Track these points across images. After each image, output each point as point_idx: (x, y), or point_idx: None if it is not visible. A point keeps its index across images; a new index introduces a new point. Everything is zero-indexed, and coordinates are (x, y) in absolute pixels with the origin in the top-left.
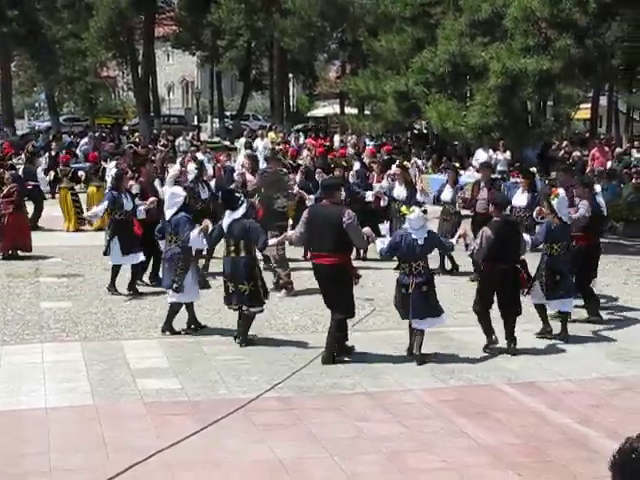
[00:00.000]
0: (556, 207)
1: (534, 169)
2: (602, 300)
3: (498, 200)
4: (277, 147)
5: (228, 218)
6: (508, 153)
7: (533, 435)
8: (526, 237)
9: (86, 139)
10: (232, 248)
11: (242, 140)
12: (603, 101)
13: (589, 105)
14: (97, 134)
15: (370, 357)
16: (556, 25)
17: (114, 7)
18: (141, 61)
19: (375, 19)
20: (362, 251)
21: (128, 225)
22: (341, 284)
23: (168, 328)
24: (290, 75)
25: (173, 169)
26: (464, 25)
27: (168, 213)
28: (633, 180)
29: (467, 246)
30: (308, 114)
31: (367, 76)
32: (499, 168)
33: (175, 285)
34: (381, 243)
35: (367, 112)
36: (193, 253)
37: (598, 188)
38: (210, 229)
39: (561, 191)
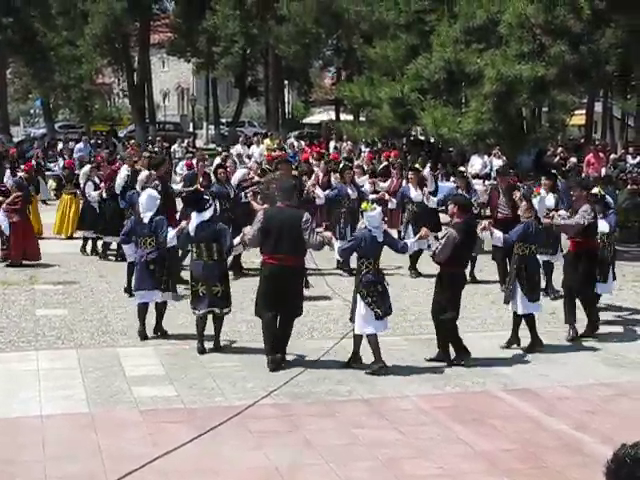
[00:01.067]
0: (537, 206)
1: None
2: (597, 306)
3: (461, 201)
4: (274, 153)
5: (194, 220)
6: (503, 159)
7: (529, 441)
8: (497, 234)
9: (81, 144)
10: (204, 252)
11: (238, 147)
12: (598, 107)
13: (584, 111)
14: (92, 141)
15: (366, 363)
16: (551, 32)
17: (109, 14)
18: (136, 68)
19: (370, 26)
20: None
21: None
22: (297, 285)
23: (160, 329)
24: (285, 82)
25: (142, 174)
26: (459, 32)
27: (147, 216)
28: (628, 186)
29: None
30: (303, 121)
31: (362, 83)
32: (494, 174)
33: (163, 286)
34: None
35: (362, 118)
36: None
37: (543, 192)
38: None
39: (542, 191)
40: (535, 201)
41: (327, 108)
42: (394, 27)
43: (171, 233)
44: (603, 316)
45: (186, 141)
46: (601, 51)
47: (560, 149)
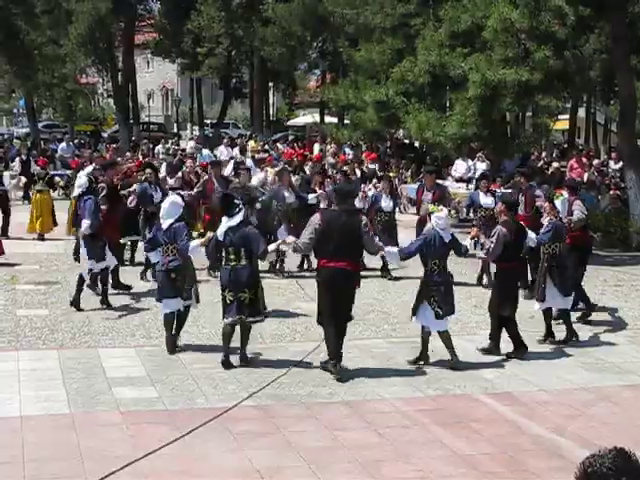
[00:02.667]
0: (559, 207)
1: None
2: (579, 311)
3: (506, 201)
4: (257, 156)
5: (224, 225)
6: (487, 163)
7: (509, 445)
8: (532, 235)
9: (63, 144)
10: (232, 257)
11: (222, 148)
12: (581, 112)
13: (567, 116)
14: (76, 141)
15: (347, 366)
16: (535, 37)
17: (94, 14)
18: (121, 68)
19: (355, 29)
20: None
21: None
22: (353, 290)
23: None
24: (270, 84)
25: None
26: (444, 36)
27: (166, 222)
28: (610, 191)
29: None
30: (288, 123)
31: (347, 85)
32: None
33: (185, 294)
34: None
35: (347, 121)
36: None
37: (565, 194)
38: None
39: (565, 193)
40: (558, 202)
41: (312, 110)
42: (379, 30)
43: (194, 243)
44: (584, 321)
45: (170, 142)
46: (585, 57)
47: (544, 154)
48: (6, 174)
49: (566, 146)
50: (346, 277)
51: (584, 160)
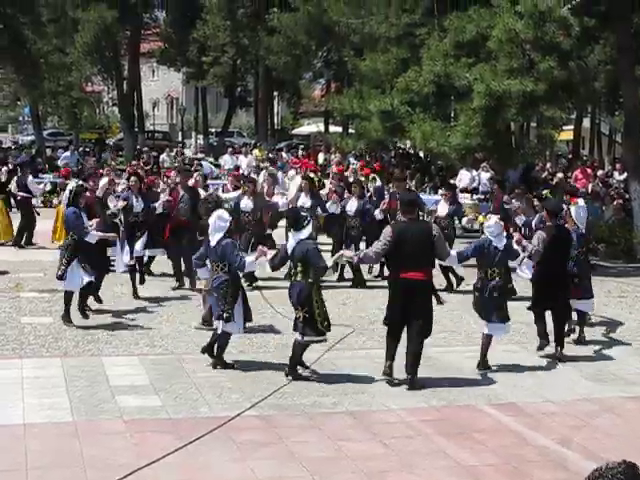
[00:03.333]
0: (574, 215)
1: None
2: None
3: (550, 207)
4: (261, 164)
5: (292, 239)
6: (490, 173)
7: (513, 456)
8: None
9: (67, 153)
10: (292, 271)
11: (226, 157)
12: (586, 123)
13: (572, 127)
14: (81, 149)
15: (351, 376)
16: (540, 47)
17: (100, 22)
18: (126, 76)
19: (360, 39)
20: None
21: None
22: (429, 301)
23: (220, 362)
24: (275, 93)
25: (102, 180)
26: (449, 46)
27: (214, 238)
28: (615, 202)
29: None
30: (293, 132)
31: (351, 95)
32: (482, 189)
33: (226, 315)
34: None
35: (351, 130)
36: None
37: (581, 202)
38: (269, 255)
39: (580, 200)
40: (573, 210)
41: (316, 120)
42: (384, 40)
43: (249, 259)
44: (589, 332)
45: (175, 150)
46: (590, 67)
47: (549, 164)
48: (30, 178)
49: (571, 157)
50: (420, 288)
51: (589, 171)
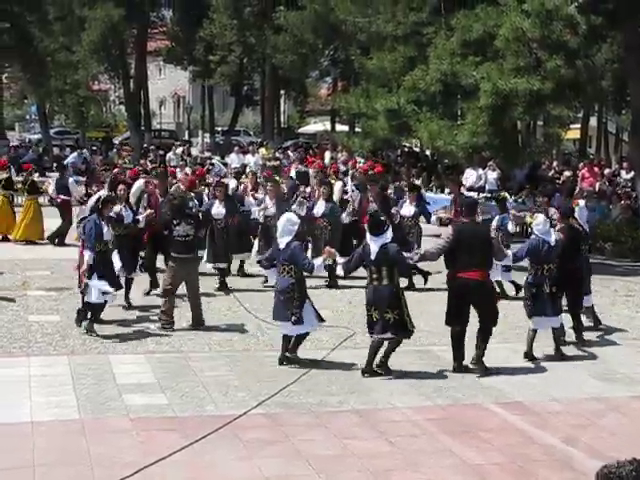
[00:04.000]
0: (577, 215)
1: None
2: (590, 321)
3: (563, 209)
4: (268, 163)
5: (374, 244)
6: (497, 172)
7: (519, 455)
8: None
9: (75, 154)
10: (374, 275)
11: (232, 156)
12: (593, 122)
13: (579, 125)
14: (85, 150)
15: (357, 375)
16: (547, 46)
17: (107, 21)
18: (133, 75)
19: (367, 37)
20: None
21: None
22: (491, 297)
23: (295, 358)
24: (281, 91)
25: (137, 182)
26: (456, 44)
27: (282, 241)
28: (622, 201)
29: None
30: (299, 130)
31: (358, 94)
32: (488, 187)
33: (294, 318)
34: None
35: (358, 129)
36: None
37: (582, 203)
38: (339, 258)
39: (581, 202)
40: (576, 209)
41: (323, 118)
42: (391, 39)
43: (317, 262)
44: (594, 330)
45: (181, 149)
46: (597, 66)
47: (555, 163)
48: (71, 180)
49: (578, 155)
50: (478, 287)
51: (596, 170)
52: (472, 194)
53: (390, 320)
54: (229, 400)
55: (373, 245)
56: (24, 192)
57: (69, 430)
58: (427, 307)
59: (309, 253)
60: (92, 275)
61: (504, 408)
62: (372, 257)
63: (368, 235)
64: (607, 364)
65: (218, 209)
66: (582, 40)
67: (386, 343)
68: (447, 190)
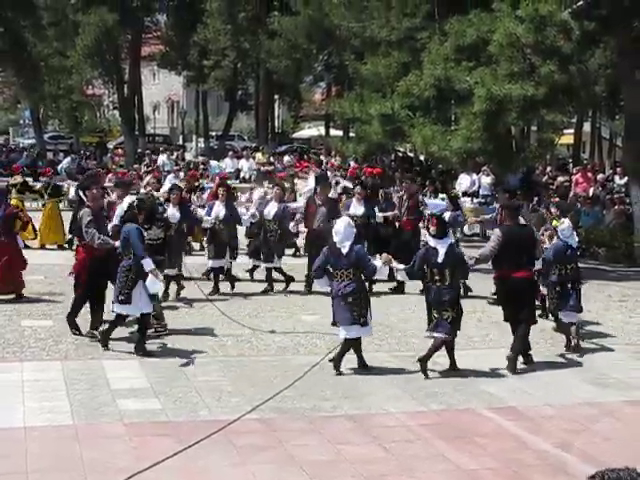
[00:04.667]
0: (560, 234)
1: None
2: (584, 326)
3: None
4: (262, 168)
5: (441, 247)
6: (491, 177)
7: (513, 460)
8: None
9: (69, 158)
10: (437, 277)
11: (227, 160)
12: (586, 127)
13: (572, 131)
14: (82, 152)
15: (351, 380)
16: (540, 51)
17: (101, 26)
18: (127, 80)
19: (361, 42)
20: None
21: None
22: (532, 294)
23: (363, 364)
24: (276, 96)
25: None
26: (449, 50)
27: (345, 245)
28: (615, 206)
29: None
30: (293, 135)
31: (352, 99)
32: (482, 192)
33: (363, 319)
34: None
35: (352, 134)
36: None
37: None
38: (394, 263)
39: (566, 221)
40: (559, 230)
41: (317, 123)
42: (385, 44)
43: (378, 264)
44: (588, 336)
45: (175, 154)
46: (590, 71)
47: (549, 168)
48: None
49: (571, 161)
50: (526, 284)
51: (589, 175)
52: (466, 199)
53: (448, 319)
54: (223, 405)
55: (440, 248)
56: (43, 196)
57: (62, 435)
58: (419, 312)
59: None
60: (137, 283)
61: (498, 413)
62: (439, 260)
63: (432, 238)
64: (600, 369)
65: (173, 213)
66: (575, 45)
67: (430, 342)
68: (441, 195)
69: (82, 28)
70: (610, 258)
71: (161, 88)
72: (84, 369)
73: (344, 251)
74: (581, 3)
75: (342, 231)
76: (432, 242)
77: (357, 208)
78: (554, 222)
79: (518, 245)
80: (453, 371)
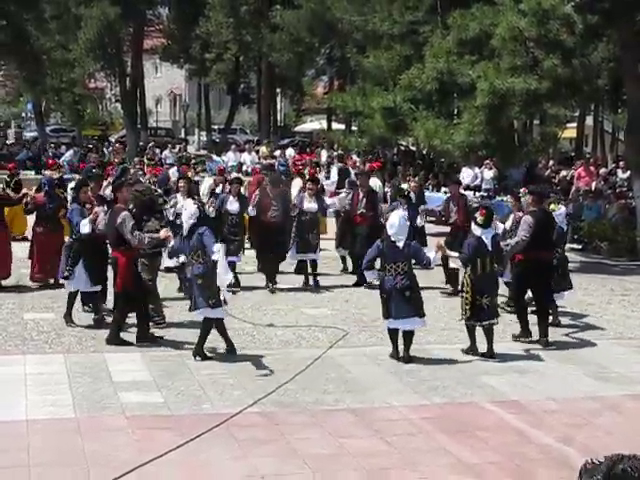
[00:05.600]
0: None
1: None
2: (586, 320)
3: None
4: (264, 161)
5: (486, 236)
6: (494, 171)
7: (515, 454)
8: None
9: (71, 151)
10: (481, 265)
11: (230, 154)
12: (589, 121)
13: (575, 124)
14: (84, 145)
15: (353, 373)
16: (543, 45)
17: (103, 19)
18: (129, 73)
19: (363, 36)
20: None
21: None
22: (551, 275)
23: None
24: (278, 90)
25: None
26: (452, 43)
27: (401, 238)
28: (618, 200)
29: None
30: (295, 129)
31: (354, 92)
32: (485, 186)
33: (422, 311)
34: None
35: (354, 128)
36: None
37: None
38: (447, 251)
39: (562, 208)
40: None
41: (319, 117)
42: (387, 37)
43: (432, 254)
44: (591, 330)
45: (177, 147)
46: (593, 65)
47: (552, 162)
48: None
49: (573, 154)
50: (549, 264)
51: (592, 169)
52: (468, 193)
53: (496, 305)
54: (225, 399)
55: (485, 237)
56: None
57: (65, 428)
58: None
59: None
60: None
61: (500, 407)
62: (489, 248)
63: (479, 228)
64: (602, 363)
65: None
66: (578, 39)
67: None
68: (443, 189)
69: (84, 21)
70: (612, 252)
71: (163, 81)
72: (86, 362)
73: (400, 245)
74: None
75: (397, 225)
76: (478, 232)
77: (308, 201)
78: (552, 206)
79: (544, 228)
80: (490, 357)
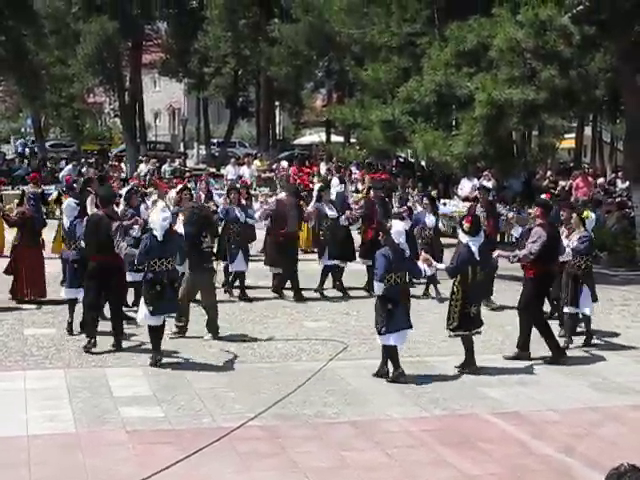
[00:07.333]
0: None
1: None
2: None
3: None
4: (262, 175)
5: (474, 245)
6: (492, 182)
7: (517, 465)
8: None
9: (70, 166)
10: (472, 274)
11: (229, 167)
12: (588, 131)
13: (573, 135)
14: (83, 160)
15: (354, 386)
16: (541, 56)
17: (101, 34)
18: (128, 88)
19: (362, 48)
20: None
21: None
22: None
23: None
24: (276, 103)
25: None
26: (450, 55)
27: (406, 248)
28: (617, 210)
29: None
30: (294, 142)
31: (353, 105)
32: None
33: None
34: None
35: (353, 140)
36: None
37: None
38: (435, 263)
39: (592, 214)
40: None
41: (318, 129)
42: (386, 50)
43: (421, 265)
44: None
45: (177, 161)
46: (591, 75)
47: (549, 173)
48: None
49: (572, 165)
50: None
51: (590, 179)
52: (468, 204)
53: (480, 313)
54: (225, 412)
55: (474, 246)
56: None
57: (65, 443)
58: (423, 317)
59: None
60: None
61: (501, 418)
62: (477, 257)
63: (468, 237)
64: (603, 373)
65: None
66: (576, 50)
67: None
68: (442, 201)
69: (83, 36)
70: (612, 262)
71: (162, 95)
72: (86, 377)
73: (407, 254)
74: (581, 8)
75: (403, 233)
76: (465, 239)
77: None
78: (585, 213)
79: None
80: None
